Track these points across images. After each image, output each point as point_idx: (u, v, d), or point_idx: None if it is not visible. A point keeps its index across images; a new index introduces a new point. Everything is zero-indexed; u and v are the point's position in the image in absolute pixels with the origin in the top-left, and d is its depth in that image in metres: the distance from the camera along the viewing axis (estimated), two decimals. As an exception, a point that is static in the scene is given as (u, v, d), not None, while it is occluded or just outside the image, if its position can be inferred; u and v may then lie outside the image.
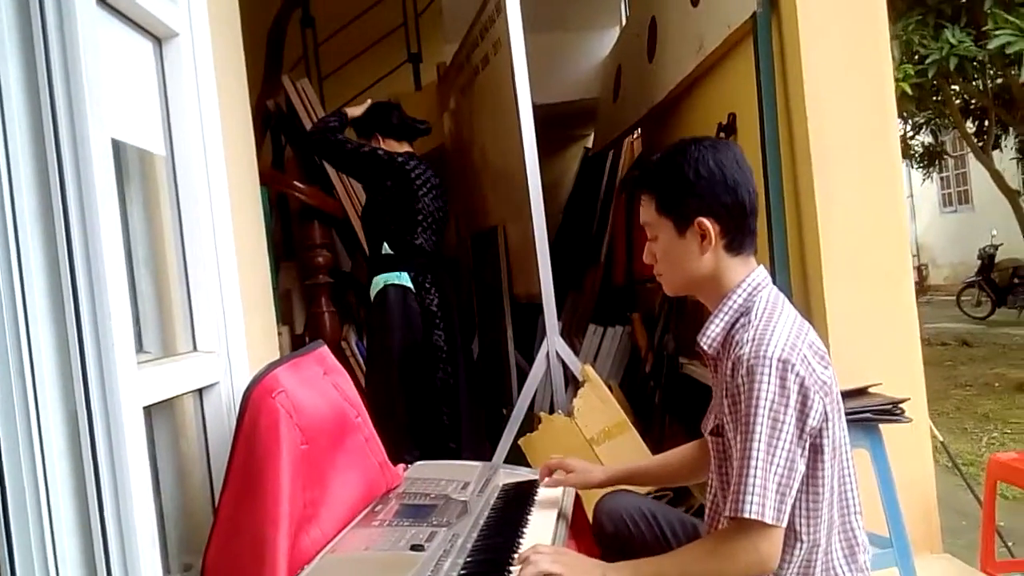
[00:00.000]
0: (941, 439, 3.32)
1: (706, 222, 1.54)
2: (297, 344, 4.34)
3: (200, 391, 1.63)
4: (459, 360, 3.59)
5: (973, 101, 10.44)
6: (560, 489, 1.97)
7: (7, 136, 1.13)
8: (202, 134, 1.66)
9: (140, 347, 1.53)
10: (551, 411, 3.31)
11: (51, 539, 1.16)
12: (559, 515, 1.82)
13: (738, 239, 1.57)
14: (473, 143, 4.86)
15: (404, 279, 3.45)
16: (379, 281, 3.47)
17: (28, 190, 1.15)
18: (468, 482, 1.94)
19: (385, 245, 3.49)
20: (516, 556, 1.51)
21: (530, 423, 3.36)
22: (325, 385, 1.72)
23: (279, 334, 2.65)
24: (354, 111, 3.56)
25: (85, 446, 1.16)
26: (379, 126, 3.57)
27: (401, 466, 2.02)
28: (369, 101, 3.64)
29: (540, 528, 1.74)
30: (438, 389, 3.48)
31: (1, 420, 1.14)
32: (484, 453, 3.30)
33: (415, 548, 1.48)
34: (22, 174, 1.14)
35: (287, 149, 4.98)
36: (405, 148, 3.60)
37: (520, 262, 4.01)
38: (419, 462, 2.18)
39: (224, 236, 1.71)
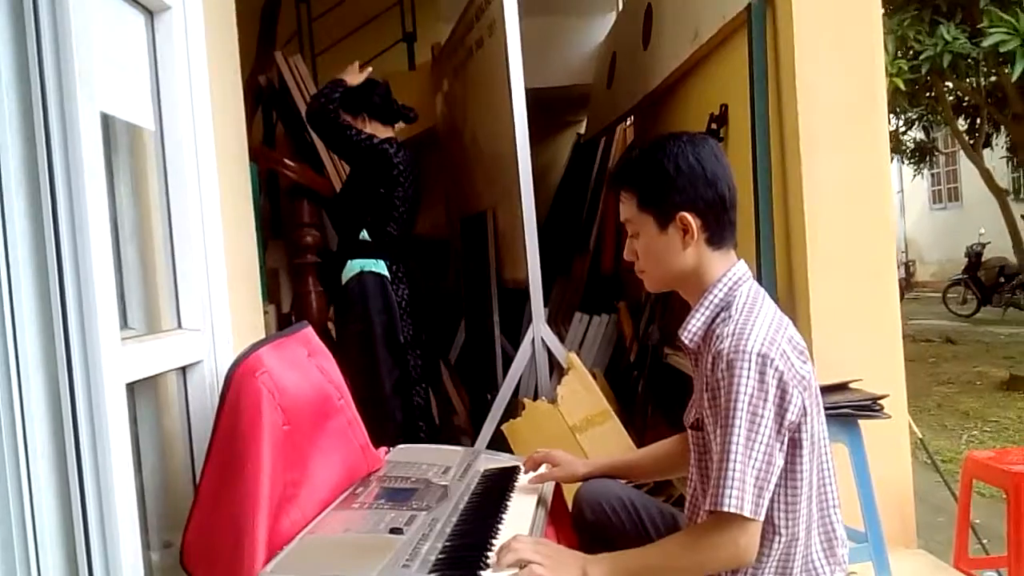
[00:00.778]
0: (920, 435, 3.35)
1: (688, 216, 1.55)
2: (284, 323, 4.32)
3: (184, 369, 1.62)
4: (425, 350, 3.62)
5: (966, 99, 10.47)
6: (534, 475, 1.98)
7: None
8: (192, 109, 1.65)
9: (124, 323, 1.52)
10: (535, 397, 3.32)
11: (31, 516, 1.16)
12: (539, 502, 1.83)
13: (719, 233, 1.57)
14: (465, 126, 4.84)
15: (380, 267, 3.44)
16: (355, 266, 3.45)
17: (15, 163, 1.14)
18: (449, 467, 1.95)
19: (364, 232, 3.48)
20: (495, 543, 1.52)
21: (514, 409, 3.37)
22: (309, 367, 1.72)
23: (265, 313, 2.65)
24: (351, 79, 3.51)
25: (67, 422, 1.16)
26: (367, 107, 3.54)
27: (383, 449, 2.03)
28: (370, 69, 3.58)
29: (520, 515, 1.74)
30: (410, 376, 3.50)
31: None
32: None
33: (394, 531, 1.49)
34: (9, 146, 1.13)
35: (278, 126, 4.94)
36: (388, 133, 3.57)
37: (508, 247, 4.01)
38: (401, 446, 2.19)
39: (211, 213, 1.70)
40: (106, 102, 1.31)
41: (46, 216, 1.15)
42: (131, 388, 1.38)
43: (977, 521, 3.18)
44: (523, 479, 1.97)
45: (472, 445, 3.24)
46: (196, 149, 1.67)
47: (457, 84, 4.93)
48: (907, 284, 16.33)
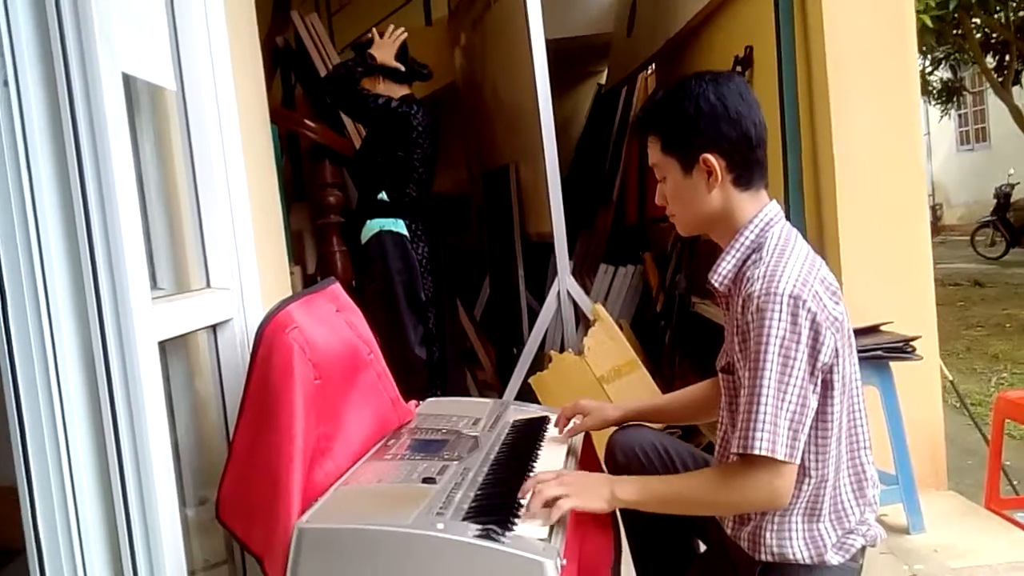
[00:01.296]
0: (951, 378, 3.33)
1: (711, 158, 1.53)
2: (310, 284, 4.34)
3: (214, 327, 1.64)
4: (443, 306, 3.63)
5: (994, 35, 10.23)
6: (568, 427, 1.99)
7: (18, 71, 1.13)
8: (212, 68, 1.65)
9: (154, 284, 1.53)
10: (561, 350, 3.33)
11: (69, 475, 1.18)
12: (568, 451, 1.84)
13: (746, 174, 1.55)
14: (484, 80, 4.79)
15: (400, 226, 3.44)
16: (373, 226, 3.46)
17: (40, 126, 1.15)
18: (479, 418, 1.96)
19: (383, 192, 3.47)
20: (523, 489, 1.53)
21: (540, 362, 3.39)
22: (338, 322, 1.73)
23: (291, 274, 2.66)
24: (382, 54, 3.49)
25: (101, 382, 1.18)
26: (381, 67, 3.51)
27: (413, 402, 2.04)
28: (402, 36, 3.55)
29: (550, 463, 1.75)
30: (430, 332, 3.52)
31: (18, 357, 1.16)
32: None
33: (427, 481, 1.50)
34: (33, 109, 1.14)
35: (297, 87, 4.92)
36: (404, 91, 3.54)
37: (532, 201, 3.99)
38: (431, 399, 2.20)
39: (236, 172, 1.70)
40: (127, 62, 1.31)
41: (73, 178, 1.15)
42: (163, 347, 1.40)
43: (1008, 463, 3.17)
44: (552, 430, 1.98)
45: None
46: (218, 108, 1.66)
47: (475, 37, 4.88)
48: (935, 228, 16.10)
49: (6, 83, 1.13)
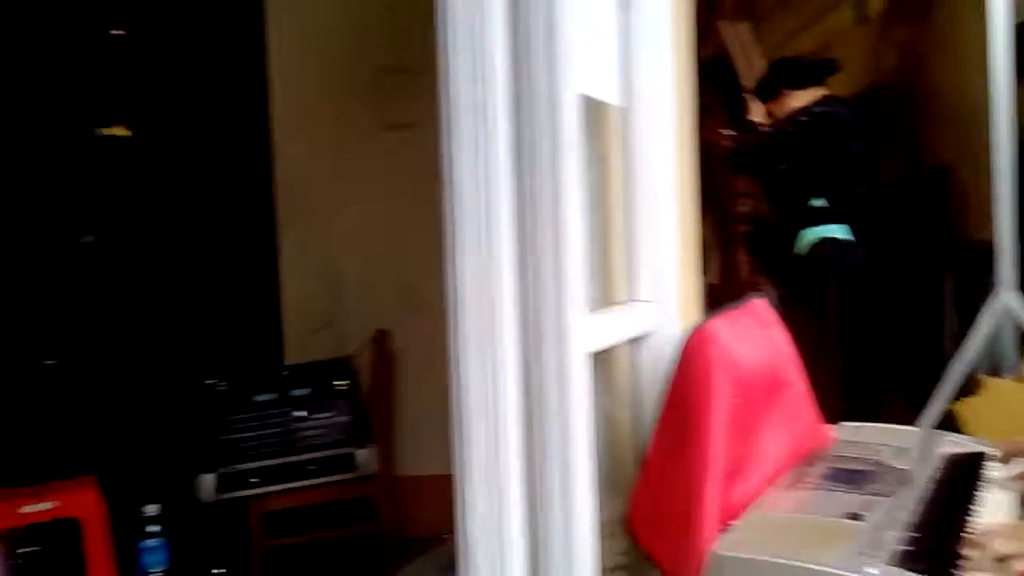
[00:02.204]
0: None
1: None
2: (711, 294, 4.33)
3: (635, 341, 1.68)
4: (877, 319, 3.40)
5: None
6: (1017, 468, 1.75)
7: (487, 97, 1.25)
8: (659, 82, 1.69)
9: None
10: (996, 374, 2.96)
11: (496, 472, 1.27)
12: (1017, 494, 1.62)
13: None
14: (920, 75, 4.45)
15: (839, 232, 3.27)
16: (810, 234, 3.32)
17: (503, 146, 1.26)
18: (905, 448, 1.79)
19: (817, 199, 3.33)
20: (970, 538, 1.36)
21: (967, 386, 3.04)
22: (760, 339, 1.68)
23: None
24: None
25: (535, 389, 1.26)
26: (784, 81, 3.39)
27: (831, 427, 1.93)
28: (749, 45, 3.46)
29: (993, 509, 1.55)
30: (860, 347, 3.31)
31: (473, 361, 1.27)
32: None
33: (852, 517, 1.40)
34: (498, 133, 1.25)
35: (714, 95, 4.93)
36: (820, 93, 3.37)
37: (970, 204, 3.61)
38: (847, 423, 2.07)
39: (665, 186, 1.73)
40: (584, 83, 1.39)
41: (526, 191, 1.25)
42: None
43: None
44: (997, 468, 1.75)
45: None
46: (656, 123, 1.71)
47: (915, 31, 4.55)
48: None
49: (476, 108, 1.25)
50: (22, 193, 3.84)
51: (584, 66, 1.45)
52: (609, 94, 1.64)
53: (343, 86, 3.52)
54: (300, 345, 3.47)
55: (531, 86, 1.24)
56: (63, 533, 2.51)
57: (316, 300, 3.47)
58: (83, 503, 2.49)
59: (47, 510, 2.45)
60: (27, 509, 2.44)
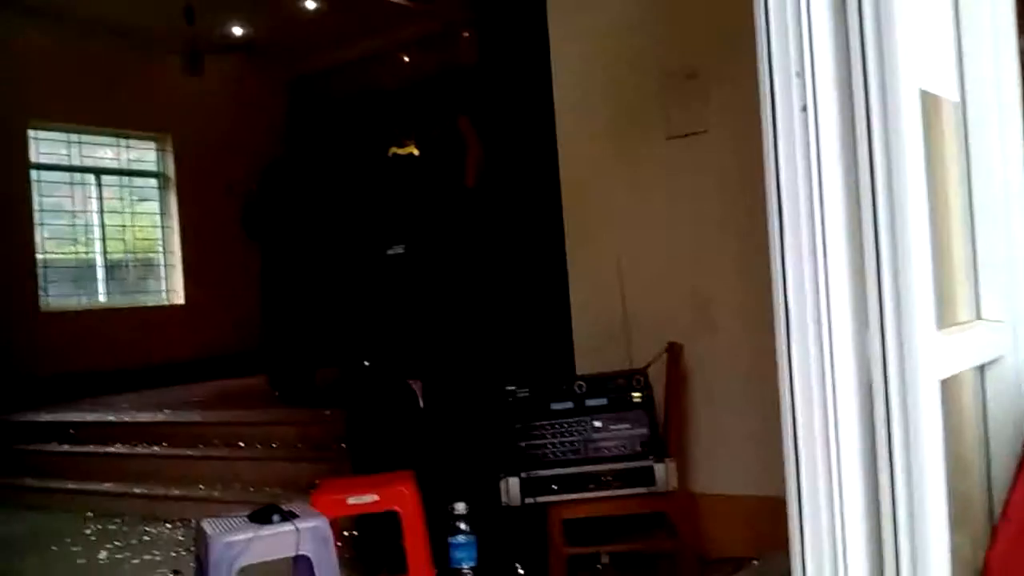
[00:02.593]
0: None
1: None
2: None
3: (983, 366, 1.47)
4: None
5: None
6: None
7: (817, 97, 1.13)
8: (999, 75, 1.48)
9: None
10: None
11: (839, 495, 1.15)
12: None
13: None
14: None
15: None
16: None
17: (834, 148, 1.14)
18: None
19: None
20: None
21: None
22: None
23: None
24: None
25: (879, 418, 1.12)
26: None
27: None
28: None
29: None
30: None
31: (797, 378, 1.16)
32: None
33: None
34: (830, 133, 1.14)
35: None
36: None
37: None
38: None
39: (1017, 191, 1.50)
40: (923, 78, 1.24)
41: (864, 202, 1.12)
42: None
43: None
44: None
45: None
46: (1000, 119, 1.49)
47: None
48: None
49: (804, 108, 1.15)
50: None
51: (921, 56, 1.29)
52: (945, 88, 1.45)
53: (628, 95, 3.45)
54: (589, 356, 3.46)
55: (867, 81, 1.11)
56: (383, 523, 2.71)
57: (605, 312, 3.44)
58: (401, 496, 2.66)
59: (370, 503, 2.64)
60: (353, 500, 2.64)
